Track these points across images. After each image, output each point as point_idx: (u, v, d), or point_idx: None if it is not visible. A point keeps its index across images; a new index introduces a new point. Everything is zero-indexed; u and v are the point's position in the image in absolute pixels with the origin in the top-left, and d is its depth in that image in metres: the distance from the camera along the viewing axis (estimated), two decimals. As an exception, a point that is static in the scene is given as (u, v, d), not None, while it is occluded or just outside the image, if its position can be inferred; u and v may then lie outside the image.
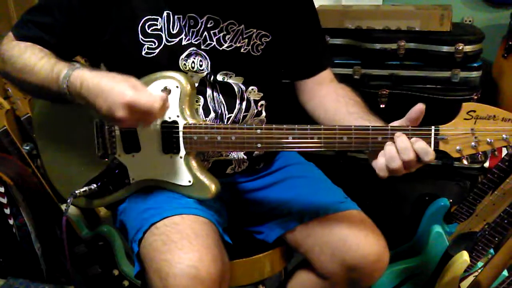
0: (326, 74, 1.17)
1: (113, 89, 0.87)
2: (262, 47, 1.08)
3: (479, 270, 1.33)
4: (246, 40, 1.06)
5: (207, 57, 1.04)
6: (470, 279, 1.35)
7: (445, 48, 1.60)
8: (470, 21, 1.92)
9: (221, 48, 1.04)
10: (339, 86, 1.15)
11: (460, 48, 1.58)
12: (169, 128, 0.98)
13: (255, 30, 1.06)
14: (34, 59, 0.97)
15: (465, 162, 0.87)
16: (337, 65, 1.73)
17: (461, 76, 1.62)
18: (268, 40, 1.08)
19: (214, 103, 1.06)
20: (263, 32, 1.07)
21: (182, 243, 0.89)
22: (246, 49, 1.06)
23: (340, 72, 1.73)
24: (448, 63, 1.62)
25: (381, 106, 1.68)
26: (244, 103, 1.08)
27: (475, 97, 1.61)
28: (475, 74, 1.63)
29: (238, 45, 1.05)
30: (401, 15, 1.68)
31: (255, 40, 1.07)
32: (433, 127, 0.87)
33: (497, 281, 1.30)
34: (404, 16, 1.67)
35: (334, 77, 1.19)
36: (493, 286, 1.29)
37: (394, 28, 1.68)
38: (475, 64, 1.63)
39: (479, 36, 1.63)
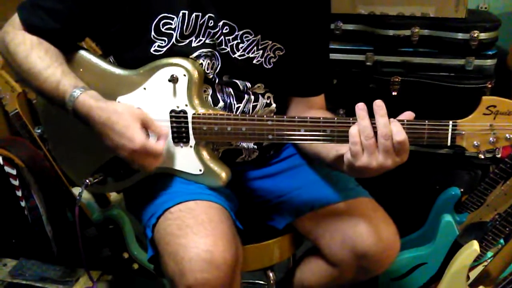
0: (319, 99, 1.17)
1: (124, 133, 0.90)
2: (275, 60, 1.06)
3: (489, 260, 1.33)
4: (261, 51, 1.04)
5: (219, 59, 1.02)
6: (480, 268, 1.34)
7: (460, 35, 1.57)
8: (485, 8, 1.88)
9: (233, 56, 1.02)
10: (327, 113, 1.14)
11: (475, 35, 1.55)
12: (178, 118, 0.98)
13: (270, 42, 1.04)
14: (40, 66, 0.96)
15: (481, 156, 0.86)
16: (350, 51, 1.71)
17: (476, 64, 1.60)
18: (281, 54, 1.06)
19: (223, 93, 1.05)
20: (278, 45, 1.05)
21: (197, 228, 0.89)
22: (259, 60, 1.05)
23: (352, 59, 1.72)
24: (463, 51, 1.59)
25: (393, 93, 1.66)
26: (251, 96, 1.07)
27: (489, 86, 1.59)
28: (489, 62, 1.60)
29: (251, 55, 1.03)
30: (416, 1, 1.65)
31: (269, 53, 1.05)
32: (451, 122, 0.85)
33: (506, 271, 1.29)
34: (419, 2, 1.64)
35: (325, 105, 1.18)
36: (503, 277, 1.28)
37: (408, 14, 1.65)
38: (490, 52, 1.60)
39: (495, 23, 1.60)
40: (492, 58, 1.60)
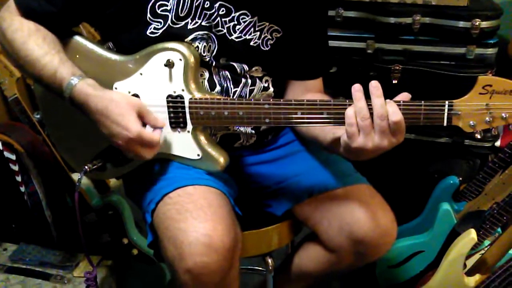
0: (317, 83, 1.16)
1: (119, 122, 0.90)
2: (272, 42, 1.06)
3: (486, 249, 1.33)
4: (258, 33, 1.03)
5: (216, 41, 1.01)
6: (476, 257, 1.35)
7: (461, 24, 1.56)
8: (488, -4, 1.87)
9: (230, 38, 1.02)
10: (325, 96, 1.14)
11: (477, 23, 1.54)
12: (175, 103, 0.97)
13: (267, 24, 1.03)
14: (37, 54, 0.96)
15: (478, 136, 0.86)
16: (350, 38, 1.70)
17: (477, 52, 1.59)
18: (278, 36, 1.06)
19: (220, 77, 1.04)
20: (275, 27, 1.05)
21: (197, 212, 0.90)
22: (256, 42, 1.04)
23: (353, 46, 1.71)
24: (464, 39, 1.58)
25: (394, 81, 1.66)
26: (249, 80, 1.07)
27: (490, 75, 1.59)
28: (490, 51, 1.59)
29: (248, 37, 1.03)
30: (418, -12, 1.64)
31: (266, 34, 1.04)
32: (447, 102, 0.86)
33: (503, 259, 1.30)
34: (421, -11, 1.63)
35: (323, 88, 1.18)
36: (499, 265, 1.29)
37: (409, 2, 1.64)
38: (491, 41, 1.59)
39: (497, 12, 1.59)
40: (493, 47, 1.59)
